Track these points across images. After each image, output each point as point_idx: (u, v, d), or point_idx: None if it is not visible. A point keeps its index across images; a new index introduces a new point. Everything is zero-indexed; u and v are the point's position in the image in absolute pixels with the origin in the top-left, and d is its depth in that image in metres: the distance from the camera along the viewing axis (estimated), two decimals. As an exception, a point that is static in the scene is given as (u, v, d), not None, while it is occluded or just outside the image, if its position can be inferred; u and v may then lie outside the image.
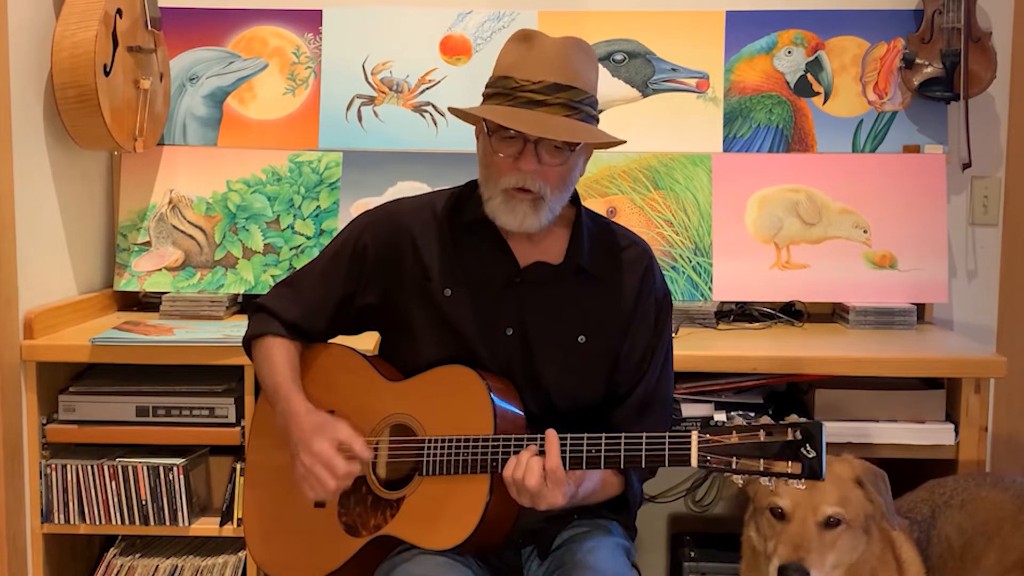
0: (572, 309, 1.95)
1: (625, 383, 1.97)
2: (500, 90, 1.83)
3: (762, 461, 1.68)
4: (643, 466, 1.79)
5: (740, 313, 2.92)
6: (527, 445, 1.79)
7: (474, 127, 1.96)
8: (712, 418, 2.52)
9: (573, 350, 1.95)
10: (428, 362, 1.95)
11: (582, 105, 1.83)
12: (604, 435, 1.78)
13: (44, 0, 2.64)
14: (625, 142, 1.92)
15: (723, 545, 2.75)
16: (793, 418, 1.74)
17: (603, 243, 1.99)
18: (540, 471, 1.75)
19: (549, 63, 1.81)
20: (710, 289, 2.89)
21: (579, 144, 1.87)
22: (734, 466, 1.70)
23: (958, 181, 3.00)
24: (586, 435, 1.79)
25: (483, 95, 1.89)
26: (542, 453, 1.77)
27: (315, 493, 1.87)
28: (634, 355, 1.97)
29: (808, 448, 1.67)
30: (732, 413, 2.52)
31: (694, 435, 1.73)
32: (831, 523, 1.93)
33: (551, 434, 1.78)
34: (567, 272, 1.95)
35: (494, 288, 1.95)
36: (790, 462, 1.67)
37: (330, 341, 2.08)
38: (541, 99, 1.80)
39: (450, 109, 1.97)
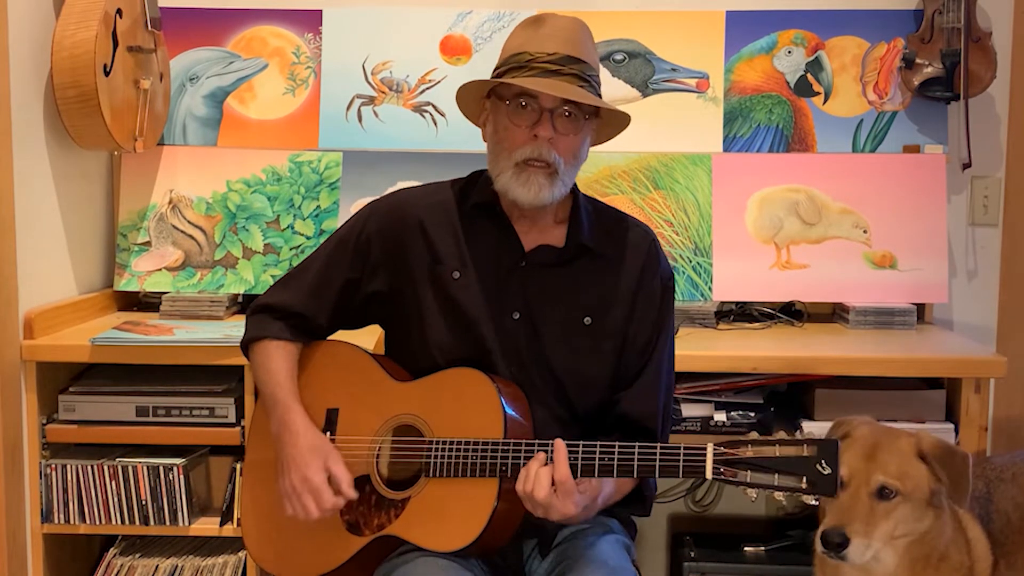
0: (577, 291, 1.96)
1: (632, 365, 1.97)
2: (513, 64, 1.87)
3: (776, 476, 1.68)
4: (656, 476, 1.78)
5: (740, 313, 2.92)
6: (537, 452, 1.79)
7: (479, 117, 1.98)
8: (712, 418, 2.53)
9: (580, 332, 1.95)
10: (434, 347, 1.96)
11: (592, 79, 1.89)
12: (617, 444, 1.78)
13: (44, 0, 2.64)
14: (629, 117, 1.96)
15: (723, 545, 2.75)
16: (810, 434, 1.74)
17: (604, 223, 2.01)
18: (548, 483, 1.75)
19: (561, 37, 1.87)
20: (710, 289, 2.89)
21: (592, 112, 1.91)
22: (748, 479, 1.69)
23: (958, 181, 3.00)
24: (599, 443, 1.78)
25: (493, 75, 1.91)
26: (551, 462, 1.77)
27: (295, 514, 1.89)
28: (641, 336, 1.97)
29: (823, 464, 1.66)
30: (732, 413, 2.52)
31: (709, 447, 1.72)
32: (885, 494, 1.95)
33: (559, 444, 1.77)
34: (570, 252, 1.96)
35: (499, 273, 1.96)
36: (805, 478, 1.66)
37: (337, 339, 2.08)
38: (556, 69, 1.85)
39: (461, 88, 1.96)
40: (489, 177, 1.97)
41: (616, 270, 1.98)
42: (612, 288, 1.97)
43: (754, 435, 1.74)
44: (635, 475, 1.78)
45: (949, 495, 2.00)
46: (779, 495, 1.70)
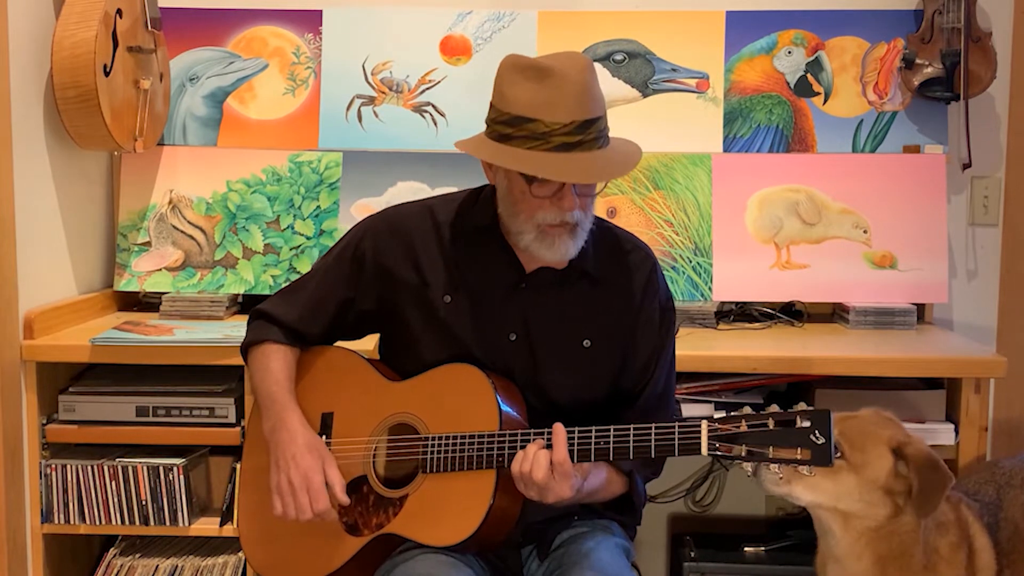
0: (576, 313, 1.95)
1: (630, 387, 1.98)
2: (528, 134, 1.78)
3: (771, 448, 1.70)
4: (652, 456, 1.79)
5: (740, 313, 2.92)
6: (534, 439, 1.80)
7: (479, 158, 1.90)
8: (712, 418, 2.52)
9: (578, 354, 1.95)
10: (427, 367, 1.96)
11: (606, 128, 1.84)
12: (612, 427, 1.79)
13: (44, 0, 2.64)
14: (638, 158, 1.90)
15: (723, 545, 2.75)
16: (801, 406, 1.75)
17: (607, 247, 1.99)
18: (547, 464, 1.76)
19: (574, 100, 1.77)
20: (710, 289, 2.89)
21: None
22: (743, 454, 1.71)
23: (958, 181, 2.99)
24: (594, 427, 1.79)
25: (499, 132, 1.81)
26: (549, 446, 1.78)
27: (285, 512, 1.88)
28: (639, 359, 1.97)
29: (817, 435, 1.68)
30: (732, 413, 2.52)
31: (704, 424, 1.74)
32: None
33: (558, 427, 1.79)
34: (571, 276, 1.95)
35: (497, 294, 1.95)
36: (799, 449, 1.68)
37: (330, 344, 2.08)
38: (576, 140, 1.77)
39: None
40: (488, 197, 1.96)
41: (616, 293, 1.97)
42: (612, 311, 1.96)
43: (747, 409, 1.75)
44: (631, 455, 1.79)
45: (914, 504, 2.00)
46: (775, 467, 1.71)
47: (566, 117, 1.77)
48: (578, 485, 1.81)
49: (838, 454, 1.97)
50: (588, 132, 1.78)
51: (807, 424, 1.69)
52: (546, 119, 1.77)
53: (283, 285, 2.19)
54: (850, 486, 2.00)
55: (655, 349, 1.99)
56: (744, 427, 1.72)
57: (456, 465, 1.85)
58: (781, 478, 1.96)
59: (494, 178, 1.91)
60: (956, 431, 2.47)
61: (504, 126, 1.81)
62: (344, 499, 1.88)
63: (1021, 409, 2.96)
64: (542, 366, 1.95)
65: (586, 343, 1.95)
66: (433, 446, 1.87)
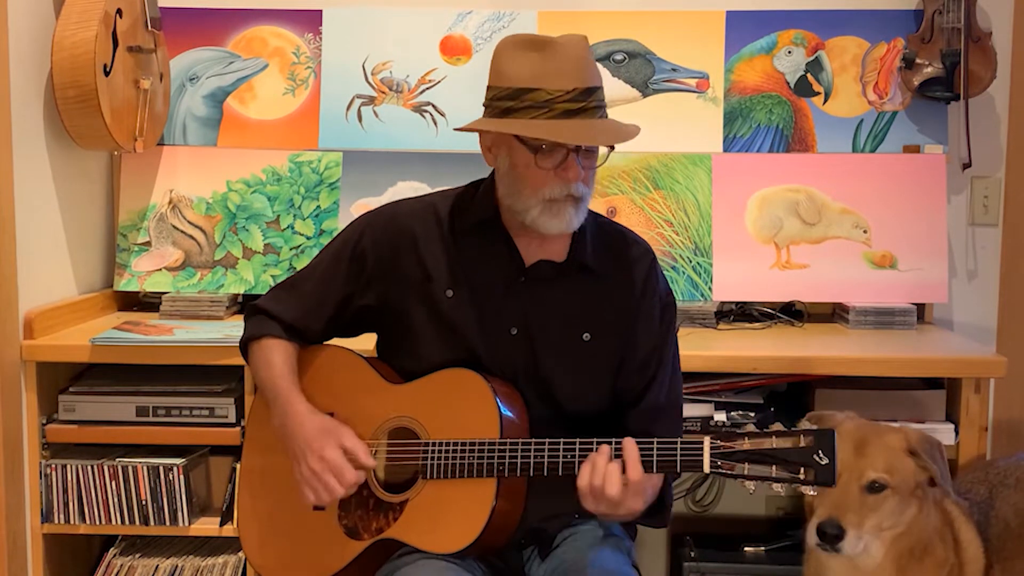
0: (576, 307, 1.95)
1: (632, 385, 1.96)
2: (531, 103, 1.78)
3: (774, 467, 1.68)
4: (654, 471, 1.77)
5: (740, 313, 2.92)
6: (600, 446, 1.75)
7: (485, 141, 1.90)
8: (712, 418, 2.52)
9: (578, 348, 1.94)
10: (428, 364, 1.95)
11: (604, 101, 1.85)
12: (612, 440, 1.77)
13: (44, 0, 2.64)
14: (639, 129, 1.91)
15: (723, 545, 2.75)
16: (804, 425, 1.74)
17: (606, 241, 1.98)
18: (619, 479, 1.72)
19: (574, 68, 1.79)
20: (710, 289, 2.89)
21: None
22: (746, 472, 1.70)
23: (958, 181, 3.00)
24: (595, 441, 1.77)
25: (500, 108, 1.82)
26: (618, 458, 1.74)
27: (318, 498, 1.86)
28: (639, 355, 1.95)
29: (820, 455, 1.67)
30: (732, 413, 2.52)
31: (706, 441, 1.72)
32: (875, 488, 2.00)
33: (629, 443, 1.74)
34: (570, 269, 1.95)
35: (498, 288, 1.94)
36: (802, 468, 1.67)
37: (330, 343, 2.07)
38: (579, 107, 1.78)
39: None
40: (488, 191, 1.95)
41: (616, 286, 1.96)
42: (611, 304, 1.96)
43: (750, 427, 1.74)
44: None
45: (941, 483, 2.04)
46: (778, 486, 1.71)
47: (568, 84, 1.78)
48: (649, 498, 1.78)
49: (884, 488, 2.01)
50: (590, 100, 1.80)
51: (811, 443, 1.67)
52: (548, 87, 1.78)
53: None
54: (892, 506, 2.03)
55: (655, 346, 1.97)
56: (747, 445, 1.70)
57: (457, 472, 1.84)
58: (861, 540, 1.98)
59: (494, 160, 1.91)
60: (956, 431, 2.47)
61: (505, 100, 1.81)
62: (370, 461, 1.86)
63: (1021, 409, 2.96)
64: (542, 360, 1.94)
65: (586, 336, 1.95)
66: (434, 452, 1.87)
